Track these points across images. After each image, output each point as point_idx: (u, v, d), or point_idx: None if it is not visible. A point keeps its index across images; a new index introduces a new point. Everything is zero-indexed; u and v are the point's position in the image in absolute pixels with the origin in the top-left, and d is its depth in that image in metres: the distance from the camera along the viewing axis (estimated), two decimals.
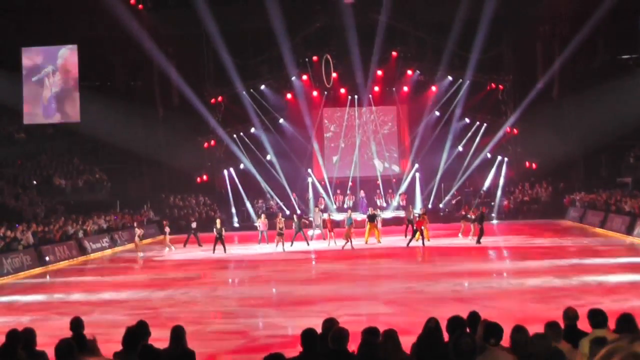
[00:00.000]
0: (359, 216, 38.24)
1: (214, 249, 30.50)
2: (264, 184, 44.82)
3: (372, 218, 32.24)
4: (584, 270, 21.90)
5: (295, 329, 14.77)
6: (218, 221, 31.24)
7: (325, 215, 34.73)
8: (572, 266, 23.02)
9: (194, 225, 34.34)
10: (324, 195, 44.85)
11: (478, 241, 30.00)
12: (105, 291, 21.63)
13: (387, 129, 46.64)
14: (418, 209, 37.60)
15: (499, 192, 43.89)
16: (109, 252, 34.30)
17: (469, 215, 32.92)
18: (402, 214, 39.63)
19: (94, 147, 44.14)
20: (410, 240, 30.47)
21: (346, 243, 30.18)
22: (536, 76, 43.59)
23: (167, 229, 33.82)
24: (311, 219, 35.77)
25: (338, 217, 38.99)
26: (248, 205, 44.43)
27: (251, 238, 34.95)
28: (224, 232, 30.80)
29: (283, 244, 30.78)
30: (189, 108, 43.58)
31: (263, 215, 34.60)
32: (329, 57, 44.32)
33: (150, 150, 43.83)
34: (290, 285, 21.57)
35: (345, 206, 43.04)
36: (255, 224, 35.61)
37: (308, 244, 31.78)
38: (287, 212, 41.46)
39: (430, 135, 45.15)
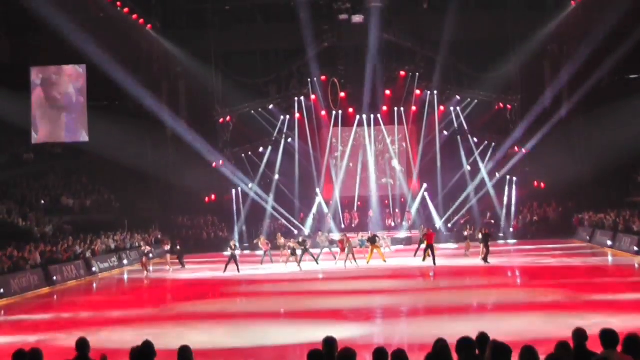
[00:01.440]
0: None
1: (225, 269, 30.50)
2: (272, 204, 44.78)
3: (372, 240, 32.21)
4: (594, 290, 21.77)
5: (303, 349, 14.69)
6: (232, 243, 31.40)
7: (336, 236, 34.85)
8: (582, 286, 22.88)
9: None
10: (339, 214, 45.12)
11: (485, 260, 29.90)
12: (112, 311, 21.58)
13: (396, 148, 46.55)
14: (424, 228, 37.64)
15: (506, 212, 43.74)
16: (116, 271, 34.27)
17: (474, 234, 33.20)
18: (408, 234, 40.29)
19: (102, 167, 44.11)
20: (425, 256, 30.55)
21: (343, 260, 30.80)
22: (545, 95, 43.50)
23: (167, 247, 33.94)
24: (318, 239, 35.87)
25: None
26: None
27: (260, 257, 34.88)
28: (237, 253, 31.01)
29: (297, 262, 30.87)
30: (198, 127, 43.67)
31: (262, 237, 35.02)
32: (335, 80, 44.38)
33: (159, 170, 43.79)
34: (297, 304, 21.48)
35: (352, 225, 43.09)
36: (255, 242, 36.04)
37: (317, 263, 31.77)
38: (295, 232, 41.66)
39: (439, 155, 45.14)
